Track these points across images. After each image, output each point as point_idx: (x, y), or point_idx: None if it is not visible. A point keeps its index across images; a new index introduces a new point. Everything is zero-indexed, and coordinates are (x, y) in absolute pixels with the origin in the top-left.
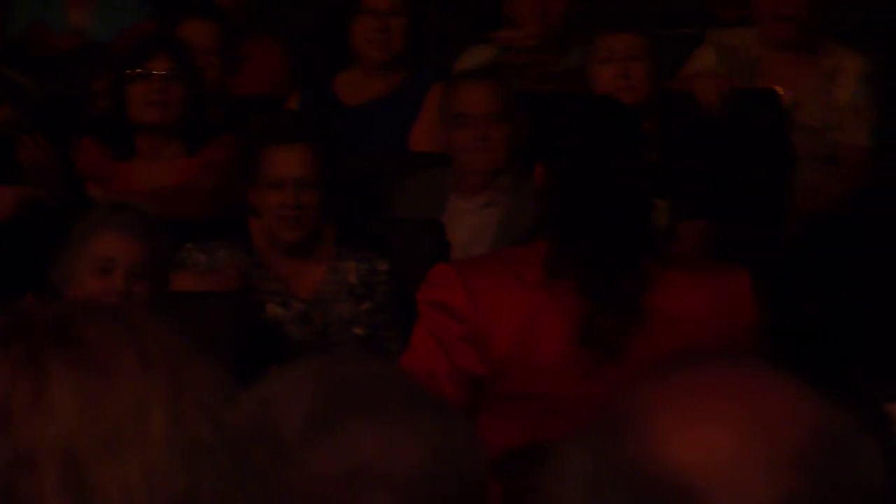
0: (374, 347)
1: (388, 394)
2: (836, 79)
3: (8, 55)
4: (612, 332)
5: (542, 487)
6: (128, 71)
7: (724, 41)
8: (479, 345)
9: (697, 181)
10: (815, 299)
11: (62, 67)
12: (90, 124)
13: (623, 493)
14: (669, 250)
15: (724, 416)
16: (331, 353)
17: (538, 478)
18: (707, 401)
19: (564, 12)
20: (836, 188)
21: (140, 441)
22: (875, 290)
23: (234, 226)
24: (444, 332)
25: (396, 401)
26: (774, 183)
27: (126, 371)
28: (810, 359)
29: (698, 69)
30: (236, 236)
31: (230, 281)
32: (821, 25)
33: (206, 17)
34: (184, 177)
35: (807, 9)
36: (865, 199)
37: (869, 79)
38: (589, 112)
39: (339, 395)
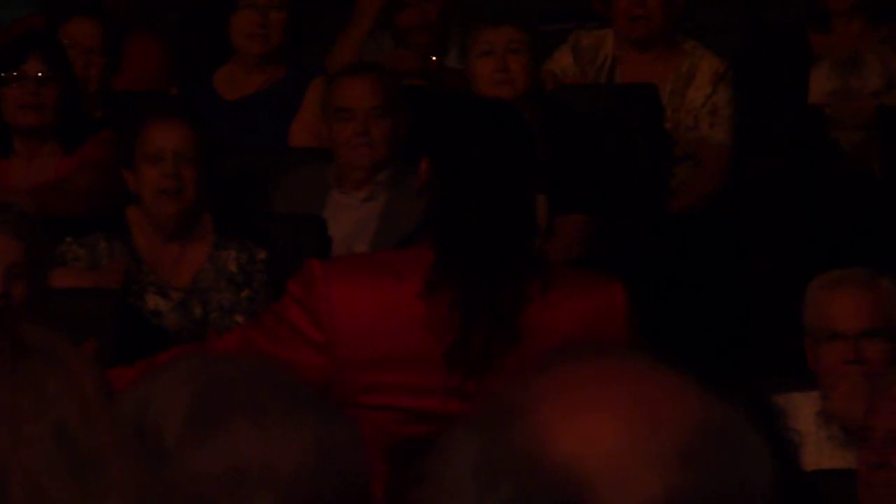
0: None
1: (268, 392)
2: (693, 80)
3: None
4: (483, 354)
5: (428, 473)
6: (2, 73)
7: (582, 42)
8: (328, 352)
9: (574, 176)
10: (690, 297)
11: None
12: None
13: (509, 480)
14: (546, 246)
15: (611, 408)
16: (209, 351)
17: (422, 467)
18: (595, 393)
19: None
20: (700, 187)
21: None
22: (749, 286)
23: (112, 222)
24: (295, 330)
25: (277, 399)
26: (650, 178)
27: None
28: (693, 355)
29: (555, 69)
30: (114, 229)
31: (112, 277)
32: (676, 25)
33: (90, 15)
34: (62, 174)
35: (659, 9)
36: (728, 197)
37: (725, 78)
38: (478, 109)
39: (218, 393)
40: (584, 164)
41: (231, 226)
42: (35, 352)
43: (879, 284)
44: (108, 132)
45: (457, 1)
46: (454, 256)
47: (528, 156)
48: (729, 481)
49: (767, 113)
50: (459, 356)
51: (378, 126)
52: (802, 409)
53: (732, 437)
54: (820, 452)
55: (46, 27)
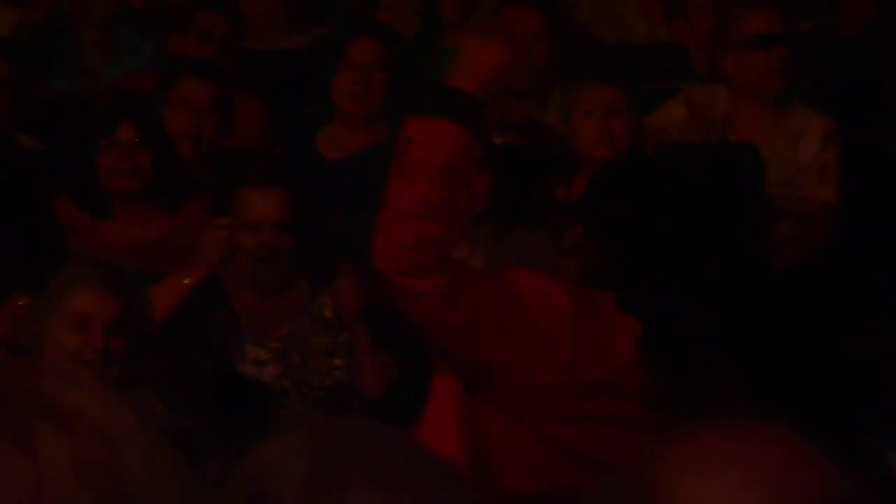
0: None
1: (384, 454)
2: (804, 138)
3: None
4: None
5: None
6: (96, 142)
7: (694, 97)
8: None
9: (674, 234)
10: (797, 355)
11: (39, 122)
12: (67, 184)
13: None
14: None
15: (749, 482)
16: (327, 415)
17: None
18: (733, 467)
19: (548, 60)
20: (806, 243)
21: None
22: (854, 345)
23: (209, 279)
24: None
25: (393, 461)
26: (751, 238)
27: None
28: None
29: (666, 122)
30: (211, 286)
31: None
32: (790, 85)
33: (203, 76)
34: (164, 232)
35: (782, 68)
36: (833, 255)
37: (835, 138)
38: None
39: (335, 457)
40: (684, 222)
41: (324, 273)
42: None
43: None
44: (206, 192)
45: (558, 58)
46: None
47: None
48: None
49: (875, 172)
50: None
51: (478, 180)
52: None
53: None
54: None
55: (156, 86)
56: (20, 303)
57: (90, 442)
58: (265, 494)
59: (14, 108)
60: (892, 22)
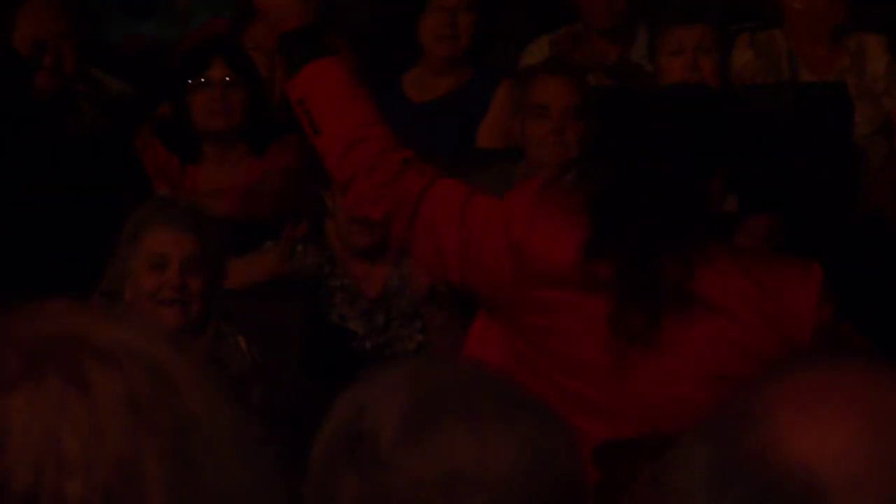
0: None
1: (482, 396)
2: (866, 53)
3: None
4: (644, 326)
5: (662, 479)
6: (189, 80)
7: (757, 39)
8: (517, 257)
9: (762, 176)
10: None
11: (130, 67)
12: (157, 128)
13: (745, 486)
14: (733, 243)
15: (845, 415)
16: (423, 356)
17: (630, 473)
18: (829, 400)
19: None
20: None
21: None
22: None
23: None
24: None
25: (491, 402)
26: (841, 179)
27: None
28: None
29: (737, 65)
30: (314, 234)
31: (280, 259)
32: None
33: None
34: (252, 178)
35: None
36: None
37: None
38: (650, 100)
39: (433, 398)
40: (773, 163)
41: None
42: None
43: None
44: (293, 136)
45: None
46: (607, 232)
47: (698, 144)
48: None
49: None
50: (621, 325)
51: (573, 126)
52: None
53: None
54: None
55: (230, 31)
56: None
57: (142, 377)
58: (362, 433)
59: (98, 57)
60: None
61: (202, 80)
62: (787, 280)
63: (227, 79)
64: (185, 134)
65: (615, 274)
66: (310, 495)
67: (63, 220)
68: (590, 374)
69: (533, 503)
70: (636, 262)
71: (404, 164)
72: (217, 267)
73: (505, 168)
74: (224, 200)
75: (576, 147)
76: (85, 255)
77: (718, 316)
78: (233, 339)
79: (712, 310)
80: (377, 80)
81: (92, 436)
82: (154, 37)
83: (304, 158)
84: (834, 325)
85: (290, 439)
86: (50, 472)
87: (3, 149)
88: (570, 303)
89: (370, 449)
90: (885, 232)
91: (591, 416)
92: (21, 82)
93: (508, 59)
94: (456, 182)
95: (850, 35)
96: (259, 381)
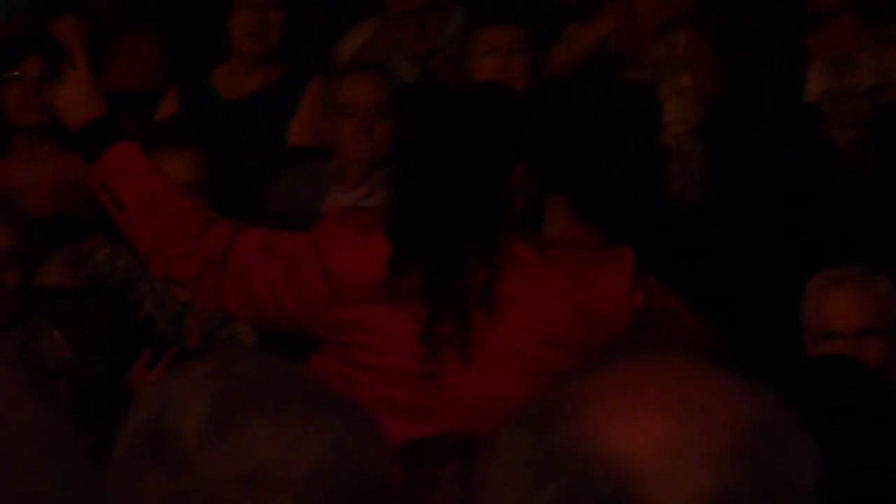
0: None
1: (289, 393)
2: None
3: None
4: (454, 332)
5: (478, 472)
6: (2, 74)
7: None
8: (329, 280)
9: (562, 155)
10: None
11: None
12: None
13: (558, 478)
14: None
15: (661, 407)
16: (230, 351)
17: (435, 471)
18: (645, 392)
19: None
20: None
21: None
22: (742, 285)
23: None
24: (305, 253)
25: (298, 400)
26: (644, 167)
27: None
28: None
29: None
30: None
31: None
32: None
33: (74, 16)
34: (61, 173)
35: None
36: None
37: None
38: (445, 96)
39: (239, 394)
40: (582, 163)
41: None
42: None
43: (876, 283)
44: None
45: None
46: (408, 245)
47: (493, 141)
48: (778, 480)
49: (761, 110)
50: (432, 334)
51: (380, 125)
52: None
53: (781, 437)
54: None
55: (38, 23)
56: None
57: None
58: (164, 430)
59: None
60: None
61: (17, 73)
62: (597, 269)
63: (43, 73)
64: None
65: (420, 285)
66: (112, 491)
67: None
68: (406, 381)
69: (338, 501)
70: (440, 272)
71: (208, 221)
72: (34, 264)
73: (317, 166)
74: (35, 196)
75: (384, 144)
76: None
77: (527, 312)
78: (47, 333)
79: (520, 307)
80: (186, 76)
81: None
82: None
83: None
84: (651, 310)
85: (100, 435)
86: None
87: None
88: (381, 317)
89: (173, 445)
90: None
91: (406, 418)
92: None
93: (320, 57)
94: (260, 229)
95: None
96: (72, 376)
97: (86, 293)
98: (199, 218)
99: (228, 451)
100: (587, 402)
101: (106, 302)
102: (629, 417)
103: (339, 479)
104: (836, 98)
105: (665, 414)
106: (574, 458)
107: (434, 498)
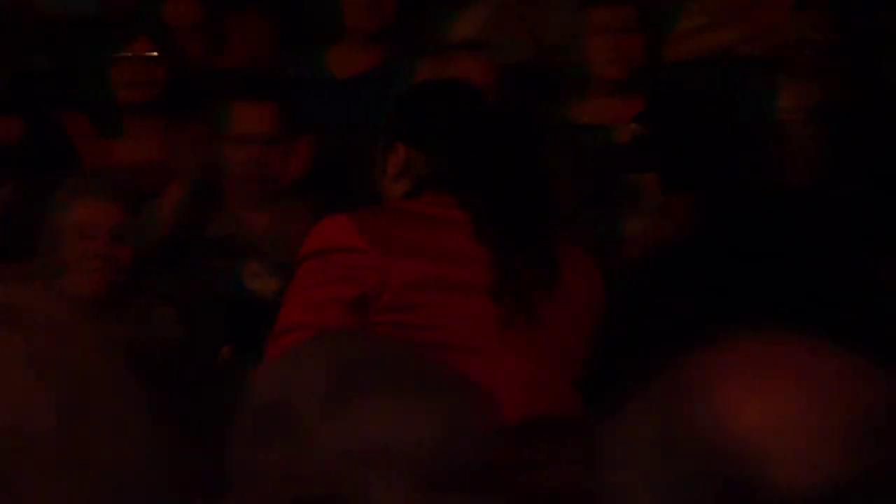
0: None
1: (402, 371)
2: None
3: None
4: (528, 286)
5: (602, 450)
6: (112, 54)
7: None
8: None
9: (686, 155)
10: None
11: (46, 39)
12: (77, 101)
13: (686, 457)
14: (658, 225)
15: (789, 386)
16: (344, 333)
17: (547, 451)
18: (772, 372)
19: None
20: None
21: None
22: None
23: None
24: (339, 269)
25: (411, 378)
26: (757, 157)
27: None
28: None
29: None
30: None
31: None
32: None
33: None
34: (167, 152)
35: None
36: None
37: None
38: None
39: (355, 373)
40: (695, 143)
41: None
42: None
43: None
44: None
45: None
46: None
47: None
48: None
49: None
50: (506, 287)
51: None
52: None
53: None
54: None
55: (149, 8)
56: None
57: (42, 336)
58: (284, 407)
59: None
60: None
61: (127, 54)
62: (595, 265)
63: (150, 52)
64: (106, 106)
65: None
66: (232, 469)
67: None
68: (469, 358)
69: (450, 478)
70: (520, 232)
71: None
72: (145, 236)
73: None
74: (144, 175)
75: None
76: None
77: (570, 299)
78: (160, 309)
79: (566, 293)
80: (300, 55)
81: None
82: (74, 10)
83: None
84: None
85: (208, 411)
86: None
87: None
88: (448, 301)
89: (293, 422)
90: None
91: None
92: None
93: (434, 36)
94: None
95: None
96: (190, 353)
97: (196, 270)
98: None
99: (345, 428)
100: (715, 381)
101: (215, 279)
102: (758, 396)
103: (451, 457)
104: None
105: (793, 393)
106: (703, 436)
107: (552, 475)
